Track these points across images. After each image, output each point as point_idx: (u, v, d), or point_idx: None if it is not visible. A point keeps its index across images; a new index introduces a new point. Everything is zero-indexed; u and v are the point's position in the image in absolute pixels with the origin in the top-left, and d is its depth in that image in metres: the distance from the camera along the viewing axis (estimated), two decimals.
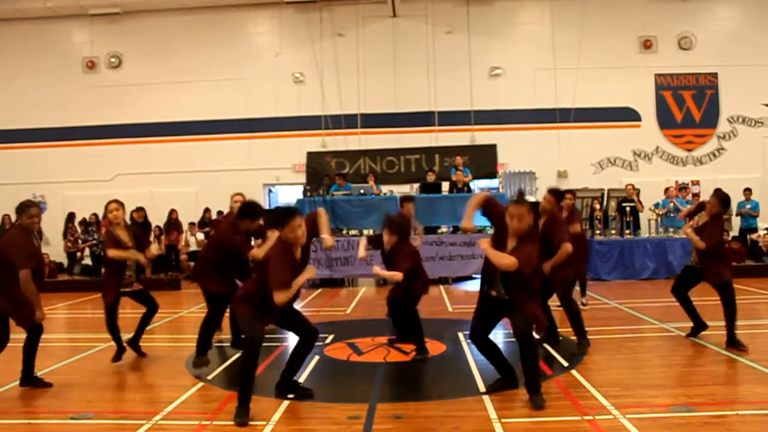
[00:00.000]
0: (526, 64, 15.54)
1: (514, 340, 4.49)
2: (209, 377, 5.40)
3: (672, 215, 13.09)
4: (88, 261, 14.52)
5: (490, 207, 4.53)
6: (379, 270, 5.65)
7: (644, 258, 12.02)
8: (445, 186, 13.72)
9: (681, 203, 13.41)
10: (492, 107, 15.59)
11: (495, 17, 15.81)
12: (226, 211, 9.62)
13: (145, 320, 6.18)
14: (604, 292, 10.07)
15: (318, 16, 15.95)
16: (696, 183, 15.16)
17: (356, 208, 12.35)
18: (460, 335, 6.95)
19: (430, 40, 15.82)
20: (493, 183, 14.35)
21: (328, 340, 6.92)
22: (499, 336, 7.46)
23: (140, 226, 13.71)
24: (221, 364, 5.95)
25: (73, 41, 16.44)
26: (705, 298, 9.40)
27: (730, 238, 13.08)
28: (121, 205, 6.03)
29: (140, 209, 13.79)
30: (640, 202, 13.20)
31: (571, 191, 7.62)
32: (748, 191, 13.71)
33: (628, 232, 12.56)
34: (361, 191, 12.75)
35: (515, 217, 4.28)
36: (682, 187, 14.46)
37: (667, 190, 13.74)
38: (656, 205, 13.38)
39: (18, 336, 5.63)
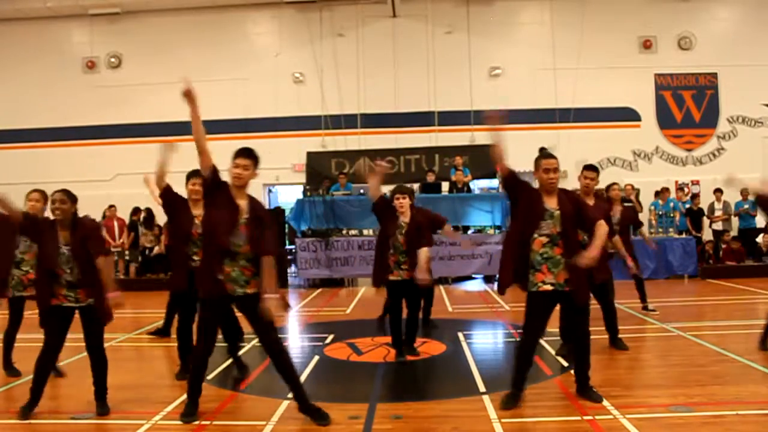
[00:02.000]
0: (526, 64, 15.52)
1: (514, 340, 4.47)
2: (209, 377, 5.39)
3: (672, 215, 13.07)
4: None
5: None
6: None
7: (644, 258, 11.97)
8: (445, 186, 13.73)
9: (677, 206, 13.37)
10: (492, 107, 15.52)
11: (495, 17, 15.79)
12: None
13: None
14: None
15: (318, 16, 15.94)
16: (696, 183, 15.15)
17: (356, 208, 12.36)
18: (460, 335, 6.96)
19: (430, 40, 15.80)
20: (493, 183, 14.33)
21: (328, 340, 6.92)
22: (499, 336, 7.47)
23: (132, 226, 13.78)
24: (221, 363, 5.95)
25: (73, 41, 16.41)
26: (704, 298, 9.40)
27: (730, 238, 13.07)
28: (43, 195, 5.42)
29: (139, 210, 13.79)
30: (639, 203, 13.18)
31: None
32: (745, 191, 13.67)
33: None
34: (361, 191, 12.75)
35: (552, 169, 4.28)
36: (682, 187, 14.44)
37: (659, 192, 13.56)
38: (655, 206, 13.35)
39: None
